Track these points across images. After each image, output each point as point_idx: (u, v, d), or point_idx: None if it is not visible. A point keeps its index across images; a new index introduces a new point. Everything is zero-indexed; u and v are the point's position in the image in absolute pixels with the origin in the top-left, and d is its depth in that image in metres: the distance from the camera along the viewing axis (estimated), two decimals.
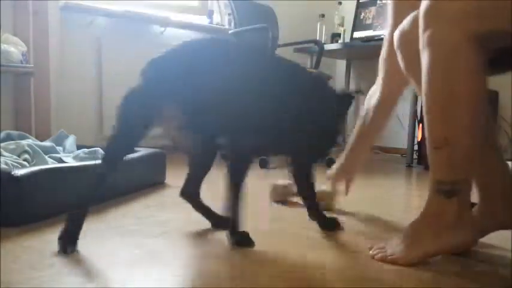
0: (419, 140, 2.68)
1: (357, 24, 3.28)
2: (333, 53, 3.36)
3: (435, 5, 0.87)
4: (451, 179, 0.90)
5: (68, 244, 0.94)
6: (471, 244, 0.94)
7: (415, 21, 0.95)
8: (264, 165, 2.40)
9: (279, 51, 2.87)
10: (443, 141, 0.89)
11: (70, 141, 1.84)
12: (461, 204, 0.90)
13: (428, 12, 0.88)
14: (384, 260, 0.95)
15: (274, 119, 1.00)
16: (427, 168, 2.63)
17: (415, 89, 1.05)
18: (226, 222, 1.03)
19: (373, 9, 3.21)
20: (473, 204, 1.04)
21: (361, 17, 3.27)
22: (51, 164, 1.49)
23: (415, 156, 2.80)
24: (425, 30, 0.89)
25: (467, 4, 0.85)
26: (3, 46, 2.08)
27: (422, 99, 0.93)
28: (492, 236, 1.12)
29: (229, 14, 3.08)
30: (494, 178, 1.06)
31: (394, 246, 0.97)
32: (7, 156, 1.43)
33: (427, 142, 0.93)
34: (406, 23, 1.00)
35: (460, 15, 0.85)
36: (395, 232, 1.20)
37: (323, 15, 3.46)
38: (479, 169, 1.05)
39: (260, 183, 1.99)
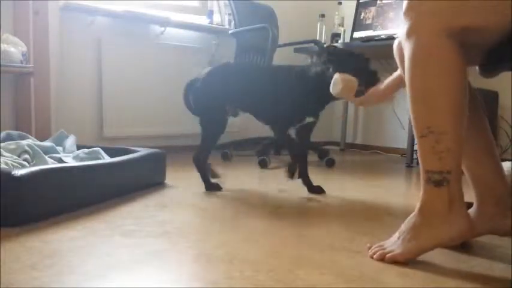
0: None
1: (357, 24, 3.28)
2: None
3: (414, 1, 0.90)
4: (438, 168, 0.91)
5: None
6: (467, 235, 0.94)
7: None
8: (264, 165, 2.40)
9: (279, 51, 2.87)
10: (426, 129, 0.90)
11: (70, 141, 1.84)
12: (451, 193, 0.91)
13: (408, 7, 0.91)
14: (382, 258, 0.95)
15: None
16: None
17: None
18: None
19: (373, 9, 3.20)
20: (469, 205, 1.05)
21: (361, 17, 3.27)
22: (51, 164, 1.49)
23: (415, 156, 2.80)
24: (405, 24, 0.91)
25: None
26: (3, 46, 2.08)
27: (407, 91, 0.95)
28: (491, 236, 1.12)
29: (229, 14, 3.08)
30: (490, 184, 1.06)
31: (392, 243, 0.97)
32: (7, 156, 1.43)
33: (414, 133, 0.95)
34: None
35: (437, 9, 0.88)
36: (395, 232, 1.21)
37: (323, 15, 3.46)
38: (476, 173, 1.06)
39: (260, 182, 1.99)
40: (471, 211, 1.06)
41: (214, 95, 1.71)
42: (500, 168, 1.07)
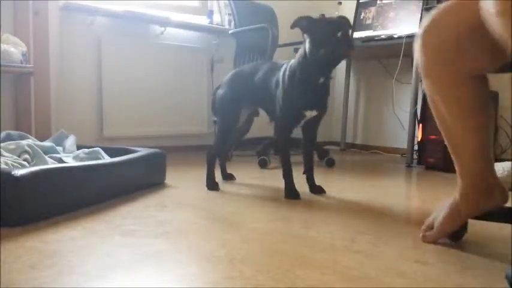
0: (419, 140, 2.68)
1: (357, 24, 3.28)
2: None
3: None
4: None
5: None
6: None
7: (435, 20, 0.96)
8: (263, 165, 2.40)
9: (279, 51, 2.87)
10: None
11: (70, 141, 1.84)
12: None
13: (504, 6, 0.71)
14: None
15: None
16: (427, 168, 2.63)
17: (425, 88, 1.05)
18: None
19: (373, 9, 3.20)
20: None
21: (361, 17, 3.27)
22: (51, 164, 1.49)
23: (415, 156, 2.80)
24: (500, 25, 0.72)
25: None
26: (3, 46, 2.08)
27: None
28: (492, 235, 1.12)
29: (229, 14, 3.08)
30: (482, 175, 1.06)
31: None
32: (7, 156, 1.43)
33: None
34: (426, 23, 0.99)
35: None
36: (395, 232, 1.21)
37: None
38: (470, 165, 1.04)
39: (260, 183, 1.99)
40: (454, 200, 1.06)
41: (229, 98, 1.78)
42: (492, 163, 1.07)
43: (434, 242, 1.08)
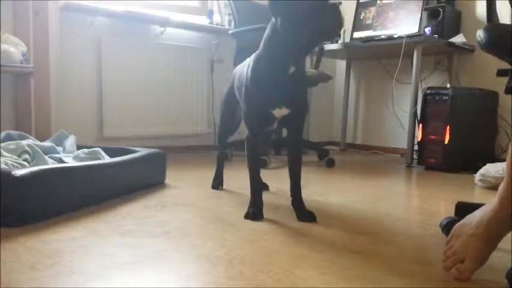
0: (419, 140, 2.68)
1: (357, 24, 3.28)
2: (333, 53, 3.36)
3: None
4: None
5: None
6: None
7: None
8: (263, 165, 2.40)
9: None
10: None
11: (70, 141, 1.84)
12: None
13: None
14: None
15: None
16: (427, 168, 2.63)
17: None
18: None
19: (373, 9, 3.21)
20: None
21: (361, 17, 3.27)
22: (51, 164, 1.49)
23: (415, 156, 2.80)
24: None
25: None
26: (3, 46, 2.08)
27: None
28: None
29: (229, 14, 3.08)
30: None
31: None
32: (7, 156, 1.43)
33: None
34: None
35: None
36: (395, 232, 1.21)
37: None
38: None
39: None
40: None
41: (225, 94, 1.73)
42: None
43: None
